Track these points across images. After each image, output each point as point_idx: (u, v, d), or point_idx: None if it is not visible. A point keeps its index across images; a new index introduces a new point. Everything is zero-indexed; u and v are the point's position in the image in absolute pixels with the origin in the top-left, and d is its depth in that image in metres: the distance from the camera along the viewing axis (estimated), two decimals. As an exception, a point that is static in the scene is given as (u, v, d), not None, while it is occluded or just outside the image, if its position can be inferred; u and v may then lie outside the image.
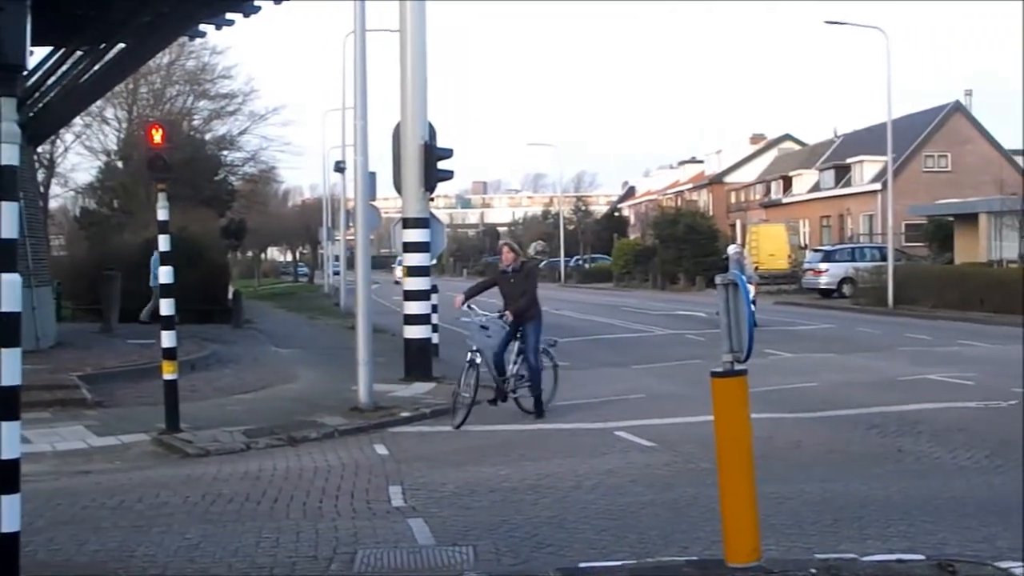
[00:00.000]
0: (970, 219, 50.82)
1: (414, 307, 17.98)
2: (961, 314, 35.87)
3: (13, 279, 6.53)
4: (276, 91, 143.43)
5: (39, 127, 25.57)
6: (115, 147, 48.55)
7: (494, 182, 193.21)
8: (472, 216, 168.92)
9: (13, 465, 6.46)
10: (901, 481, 11.06)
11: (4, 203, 6.57)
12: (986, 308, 36.01)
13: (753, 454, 7.40)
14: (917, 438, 13.53)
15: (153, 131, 14.86)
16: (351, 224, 27.98)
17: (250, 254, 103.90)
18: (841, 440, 13.70)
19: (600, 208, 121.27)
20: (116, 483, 12.15)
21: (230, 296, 37.41)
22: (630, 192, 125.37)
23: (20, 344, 6.50)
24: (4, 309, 6.50)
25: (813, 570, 7.24)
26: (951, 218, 54.48)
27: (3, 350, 6.47)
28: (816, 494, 10.47)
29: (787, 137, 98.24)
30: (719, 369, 7.37)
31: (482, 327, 15.81)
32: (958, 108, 69.53)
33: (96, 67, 24.05)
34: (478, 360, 15.53)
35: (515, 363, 16.02)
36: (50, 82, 24.48)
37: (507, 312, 15.94)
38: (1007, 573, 7.18)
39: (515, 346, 16.03)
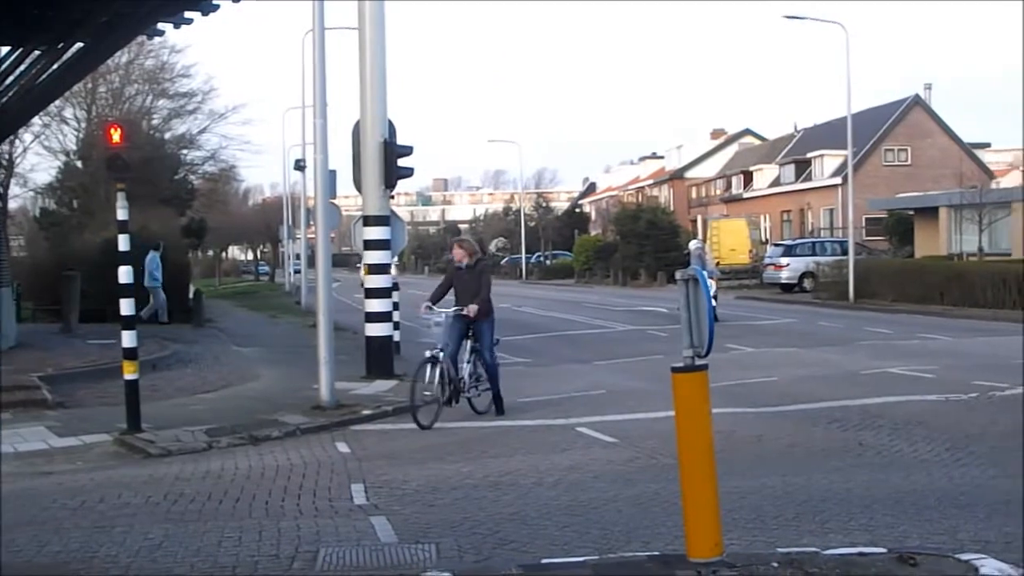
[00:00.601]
0: (930, 212, 51.17)
1: (375, 305, 17.94)
2: (921, 307, 36.12)
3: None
4: (235, 90, 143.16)
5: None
6: (74, 147, 48.21)
7: (455, 179, 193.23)
8: (433, 213, 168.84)
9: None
10: (862, 474, 11.12)
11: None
12: (946, 301, 36.29)
13: (714, 449, 7.42)
14: (878, 432, 13.61)
15: (112, 131, 14.76)
16: (312, 222, 27.89)
17: (211, 253, 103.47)
18: (802, 434, 13.77)
19: (561, 204, 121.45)
20: (78, 484, 12.07)
21: (191, 295, 37.21)
22: (591, 188, 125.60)
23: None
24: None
25: (775, 564, 7.26)
26: (911, 212, 54.85)
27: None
28: (778, 488, 10.51)
29: (747, 132, 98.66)
30: (680, 364, 7.39)
31: (436, 324, 15.75)
32: (918, 102, 70.01)
33: (54, 66, 23.85)
34: (441, 357, 15.48)
35: (468, 362, 15.95)
36: (8, 82, 24.28)
37: (467, 308, 15.89)
38: (968, 565, 7.22)
39: (468, 345, 15.98)
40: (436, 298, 16.31)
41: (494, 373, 15.97)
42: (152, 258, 32.78)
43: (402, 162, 18.01)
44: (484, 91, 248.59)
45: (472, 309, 15.83)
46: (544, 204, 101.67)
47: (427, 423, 15.01)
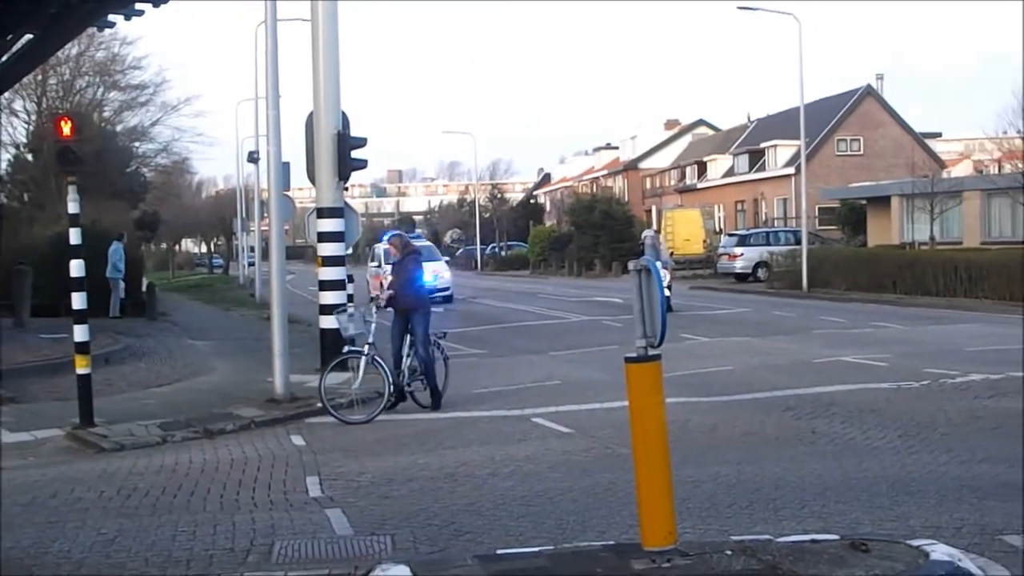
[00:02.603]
0: (882, 202, 51.51)
1: (329, 297, 17.89)
2: (874, 296, 36.37)
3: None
4: (188, 82, 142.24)
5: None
6: (24, 139, 47.75)
7: (409, 171, 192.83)
8: (388, 205, 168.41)
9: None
10: (815, 462, 11.20)
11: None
12: (898, 290, 36.56)
13: (668, 438, 7.45)
14: (831, 420, 13.70)
15: (62, 123, 14.66)
16: (265, 214, 27.77)
17: (164, 246, 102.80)
18: (756, 423, 13.85)
19: (516, 195, 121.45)
20: (29, 479, 11.99)
21: (143, 289, 36.96)
22: (546, 179, 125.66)
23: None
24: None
25: (729, 552, 7.30)
26: (864, 201, 55.21)
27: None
28: (732, 477, 10.57)
29: (701, 122, 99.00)
30: (633, 355, 7.41)
31: (350, 316, 15.67)
32: (870, 92, 70.43)
33: (3, 58, 23.62)
34: (367, 351, 15.43)
35: (408, 356, 15.91)
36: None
37: (380, 296, 15.99)
38: (918, 551, 7.28)
39: (408, 339, 15.99)
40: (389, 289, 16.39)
41: (429, 366, 15.90)
42: (116, 249, 32.76)
43: (356, 154, 17.96)
44: (438, 83, 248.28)
45: (382, 297, 15.94)
46: (499, 195, 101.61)
47: (357, 418, 14.95)
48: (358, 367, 15.40)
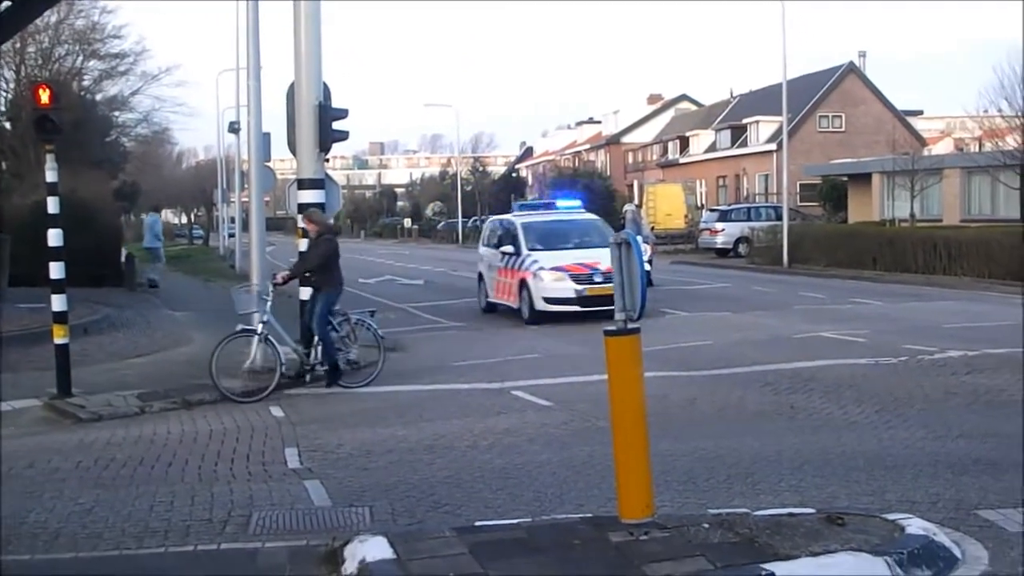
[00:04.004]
0: (863, 179, 51.60)
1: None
2: (854, 272, 36.43)
3: None
4: (169, 51, 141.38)
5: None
6: (2, 108, 47.44)
7: (391, 143, 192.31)
8: (369, 177, 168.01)
9: None
10: (793, 437, 11.24)
11: None
12: (878, 266, 36.65)
13: (647, 412, 7.47)
14: (809, 395, 13.74)
15: (40, 91, 14.56)
16: (246, 186, 27.68)
17: (144, 217, 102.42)
18: (735, 397, 13.89)
19: (498, 169, 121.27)
20: (7, 449, 11.92)
21: (123, 259, 36.81)
22: (528, 152, 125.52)
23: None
24: None
25: (706, 525, 7.33)
26: (845, 178, 55.28)
27: None
28: (710, 451, 10.60)
29: (684, 98, 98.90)
30: (612, 327, 7.42)
31: (263, 298, 15.52)
32: (852, 69, 70.43)
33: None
34: (259, 330, 15.30)
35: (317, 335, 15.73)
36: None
37: (279, 275, 16.00)
38: (894, 525, 7.33)
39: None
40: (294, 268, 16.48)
41: (326, 343, 15.74)
42: (154, 220, 36.12)
43: (337, 125, 17.85)
44: (421, 55, 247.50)
45: (279, 276, 16.12)
46: (481, 168, 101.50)
47: (257, 397, 14.72)
48: (251, 346, 15.19)
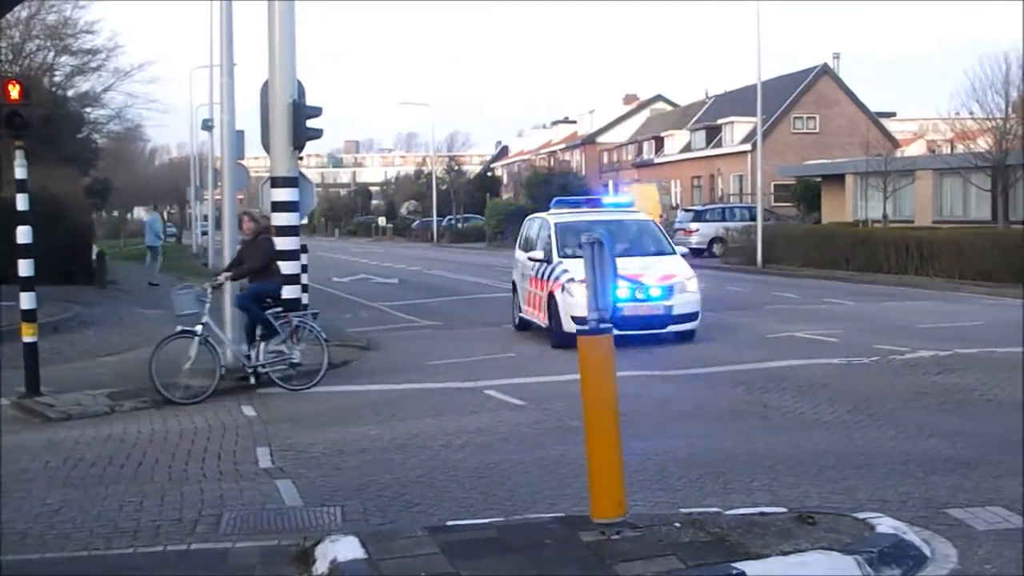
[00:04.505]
0: (837, 179, 51.79)
1: (284, 267, 17.73)
2: (827, 273, 36.59)
3: None
4: (142, 47, 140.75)
5: None
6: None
7: (366, 141, 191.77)
8: (344, 175, 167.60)
9: None
10: (766, 436, 11.25)
11: None
12: (851, 267, 36.80)
13: (620, 411, 7.46)
14: (782, 394, 13.77)
15: (10, 87, 14.44)
16: (219, 183, 27.57)
17: (116, 214, 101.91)
18: (708, 397, 13.91)
19: (473, 168, 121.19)
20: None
21: (94, 257, 36.63)
22: (503, 152, 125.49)
23: None
24: None
25: (677, 524, 7.33)
26: (818, 178, 55.47)
27: None
28: (682, 450, 10.60)
29: (659, 98, 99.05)
30: (585, 327, 7.41)
31: (200, 300, 15.31)
32: (826, 71, 70.68)
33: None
34: (199, 331, 14.92)
35: (269, 340, 15.49)
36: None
37: (222, 276, 15.87)
38: (865, 524, 7.34)
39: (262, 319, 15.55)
40: (227, 269, 16.26)
41: (249, 313, 15.64)
42: (154, 219, 37.22)
43: (311, 123, 17.79)
44: (396, 53, 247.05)
45: (223, 277, 15.88)
46: (456, 167, 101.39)
47: (185, 397, 14.46)
48: (191, 347, 14.85)
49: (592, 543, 7.01)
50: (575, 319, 17.22)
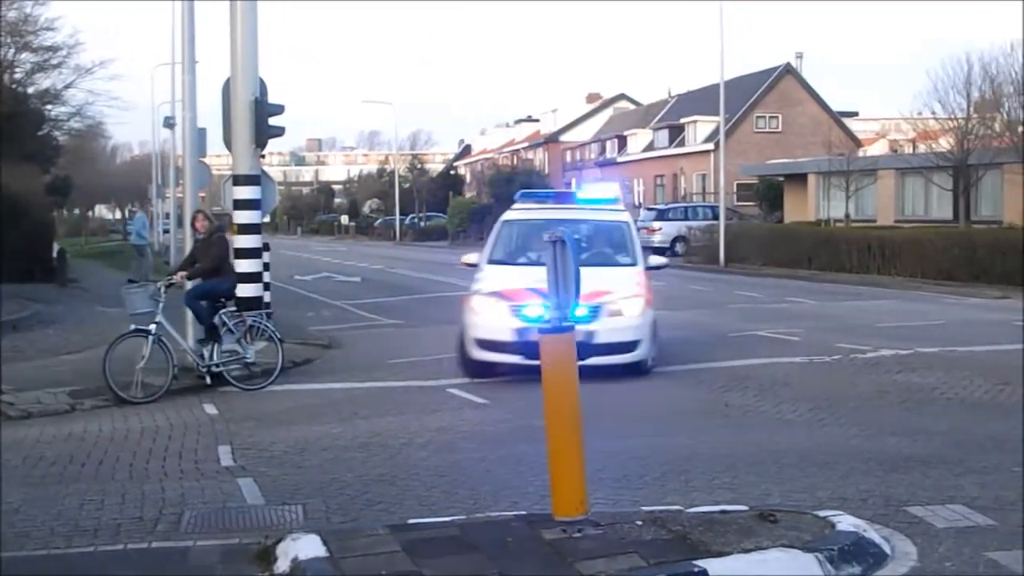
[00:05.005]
0: (799, 179, 52.04)
1: (245, 265, 17.65)
2: (790, 272, 36.79)
3: None
4: (103, 45, 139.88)
5: None
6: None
7: (329, 139, 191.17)
8: (307, 173, 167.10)
9: None
10: (727, 435, 11.30)
11: None
12: (814, 266, 37.01)
13: (581, 410, 7.46)
14: (744, 393, 13.83)
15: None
16: (180, 181, 27.42)
17: (77, 212, 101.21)
18: (670, 395, 13.97)
19: (436, 166, 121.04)
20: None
21: (54, 255, 36.41)
22: (466, 150, 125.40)
23: None
24: None
25: (639, 522, 7.35)
26: (781, 178, 55.72)
27: None
28: (644, 448, 10.62)
29: (622, 97, 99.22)
30: (547, 326, 7.42)
31: (154, 298, 15.20)
32: (789, 70, 71.01)
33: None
34: (153, 330, 14.75)
35: (223, 338, 15.40)
36: None
37: (177, 275, 15.81)
38: (825, 521, 7.38)
39: (220, 319, 15.45)
40: (182, 268, 16.19)
41: (195, 312, 15.75)
42: (140, 218, 38.10)
43: (273, 121, 17.73)
44: (359, 51, 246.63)
45: (179, 276, 15.80)
46: (419, 166, 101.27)
47: (140, 397, 14.35)
48: (144, 346, 14.68)
49: (554, 541, 7.02)
50: (479, 342, 14.91)
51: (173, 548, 7.83)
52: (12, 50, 49.02)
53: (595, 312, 14.58)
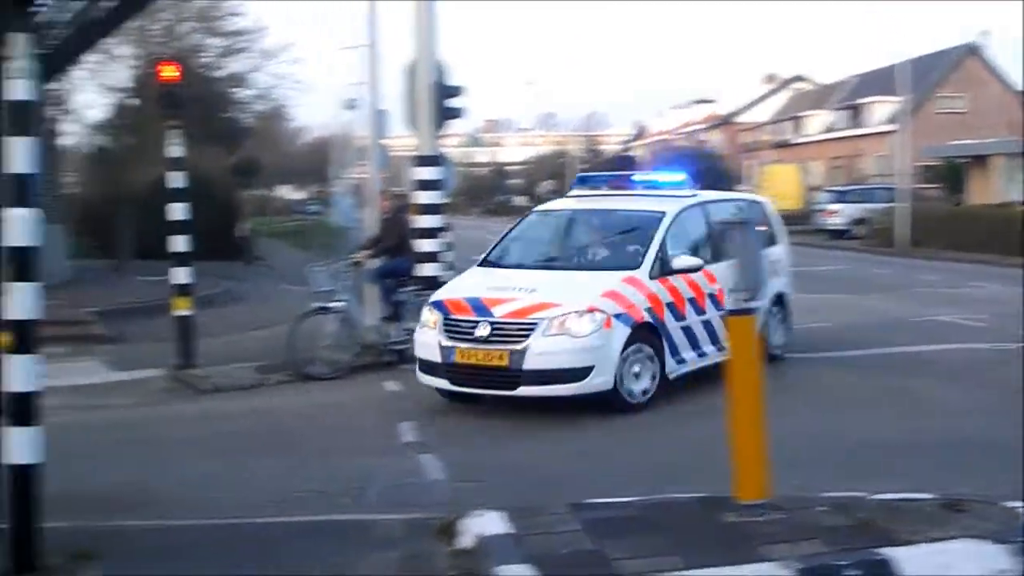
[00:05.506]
0: (983, 161, 50.61)
1: (426, 245, 17.98)
2: (971, 255, 35.80)
3: (27, 214, 6.59)
4: (286, 28, 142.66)
5: (52, 64, 25.50)
6: (126, 84, 48.37)
7: (505, 121, 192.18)
8: (483, 155, 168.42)
9: (33, 398, 6.57)
10: (909, 421, 11.11)
11: (18, 138, 6.62)
12: (996, 250, 35.94)
13: (764, 392, 7.42)
14: (925, 379, 13.54)
15: (166, 68, 14.86)
16: (362, 162, 27.88)
17: (260, 192, 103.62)
18: (850, 380, 13.73)
19: (611, 148, 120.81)
20: (131, 417, 12.29)
21: (242, 234, 37.44)
22: (642, 132, 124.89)
23: (37, 279, 6.58)
24: (18, 243, 6.57)
25: (821, 508, 7.30)
26: (964, 160, 54.25)
27: (18, 284, 6.54)
28: (823, 433, 10.52)
29: (800, 78, 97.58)
30: (732, 308, 7.41)
31: (336, 276, 15.33)
32: (973, 50, 69.02)
33: (109, 3, 23.96)
34: (337, 307, 15.04)
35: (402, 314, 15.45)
36: (62, 19, 24.42)
37: (361, 253, 16.01)
38: (1012, 512, 7.22)
39: (403, 297, 15.51)
40: (365, 247, 16.48)
41: (384, 291, 15.88)
42: (346, 200, 39.68)
43: (453, 103, 17.99)
44: (535, 31, 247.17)
45: (362, 255, 16.03)
46: (594, 147, 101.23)
47: (323, 373, 14.59)
48: (327, 324, 14.98)
49: (736, 524, 7.01)
50: (420, 362, 12.60)
51: (357, 521, 8.03)
52: (201, 35, 50.49)
53: (529, 329, 11.57)
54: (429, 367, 12.30)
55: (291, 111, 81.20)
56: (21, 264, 6.55)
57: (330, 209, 76.00)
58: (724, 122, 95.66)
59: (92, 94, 52.02)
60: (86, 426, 11.58)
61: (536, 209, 15.86)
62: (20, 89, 6.59)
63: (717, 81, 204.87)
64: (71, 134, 49.68)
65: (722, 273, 12.32)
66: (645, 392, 11.94)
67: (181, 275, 14.84)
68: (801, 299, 22.97)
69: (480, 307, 11.96)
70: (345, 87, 51.20)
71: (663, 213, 13.33)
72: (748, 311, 7.34)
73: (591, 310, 11.64)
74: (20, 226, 6.55)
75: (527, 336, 11.49)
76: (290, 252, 42.29)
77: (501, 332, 11.55)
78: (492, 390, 11.86)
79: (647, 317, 12.08)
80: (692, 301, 12.82)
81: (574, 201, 15.07)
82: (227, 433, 11.34)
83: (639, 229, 13.28)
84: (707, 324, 13.01)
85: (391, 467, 9.67)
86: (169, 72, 14.68)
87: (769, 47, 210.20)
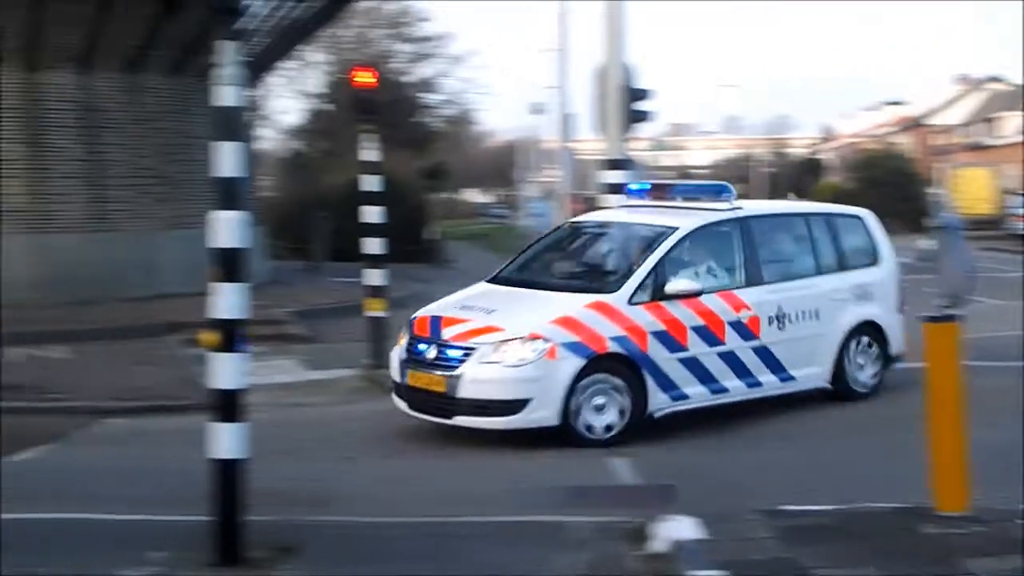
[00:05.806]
0: None
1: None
2: None
3: (236, 216, 6.82)
4: (473, 33, 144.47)
5: (251, 70, 26.31)
6: (320, 90, 49.57)
7: (689, 124, 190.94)
8: (669, 159, 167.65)
9: (239, 395, 6.80)
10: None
11: (227, 143, 6.86)
12: None
13: (965, 402, 7.25)
14: None
15: (362, 73, 15.17)
16: (547, 165, 28.07)
17: (446, 195, 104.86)
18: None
19: (796, 151, 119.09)
20: (325, 416, 12.59)
21: (431, 236, 37.99)
22: (829, 134, 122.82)
23: (244, 280, 6.80)
24: (226, 245, 6.80)
25: (1021, 520, 7.10)
26: None
27: (227, 285, 6.77)
28: (1009, 445, 10.17)
29: (995, 78, 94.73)
30: (931, 314, 7.27)
31: None
32: None
33: (305, 12, 24.66)
34: None
35: None
36: (262, 27, 25.16)
37: None
38: None
39: None
40: None
41: None
42: (543, 205, 38.45)
43: (641, 106, 17.98)
44: (718, 34, 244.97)
45: None
46: (780, 150, 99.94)
47: None
48: None
49: (936, 536, 6.87)
50: (391, 384, 12.07)
51: (547, 522, 8.06)
52: (391, 41, 51.46)
53: (466, 353, 10.79)
54: (394, 387, 11.79)
55: (477, 115, 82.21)
56: (230, 265, 6.79)
57: (516, 212, 76.63)
58: (914, 124, 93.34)
59: (288, 99, 53.48)
60: (284, 423, 11.87)
61: (569, 221, 15.19)
62: (228, 95, 6.84)
63: (905, 82, 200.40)
64: (267, 138, 51.17)
65: (757, 298, 11.64)
66: (609, 428, 10.73)
67: (374, 277, 15.10)
68: (991, 306, 22.36)
69: (435, 327, 11.29)
70: (531, 91, 51.55)
71: (672, 229, 11.84)
72: (948, 318, 7.19)
73: (533, 337, 10.62)
74: (229, 228, 6.79)
75: (464, 361, 10.72)
76: (478, 255, 42.67)
77: (443, 356, 10.89)
78: (434, 417, 11.12)
79: (614, 347, 10.78)
80: (700, 330, 11.32)
81: (610, 213, 13.98)
82: (414, 434, 11.39)
83: (639, 247, 11.97)
84: (729, 356, 11.54)
85: (583, 469, 9.71)
86: (364, 77, 14.97)
87: (961, 46, 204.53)
